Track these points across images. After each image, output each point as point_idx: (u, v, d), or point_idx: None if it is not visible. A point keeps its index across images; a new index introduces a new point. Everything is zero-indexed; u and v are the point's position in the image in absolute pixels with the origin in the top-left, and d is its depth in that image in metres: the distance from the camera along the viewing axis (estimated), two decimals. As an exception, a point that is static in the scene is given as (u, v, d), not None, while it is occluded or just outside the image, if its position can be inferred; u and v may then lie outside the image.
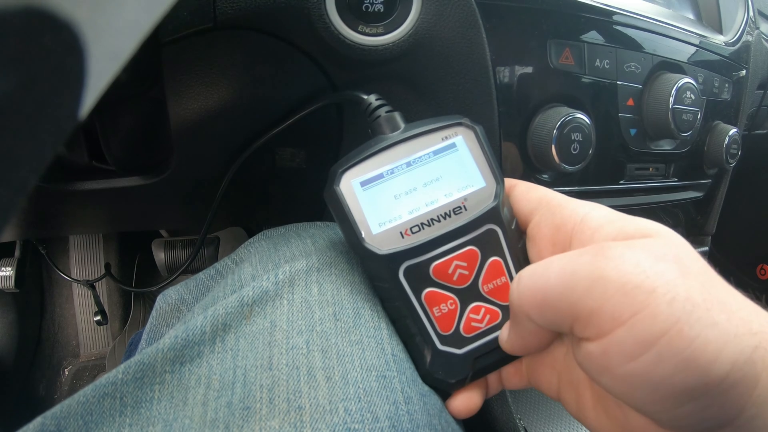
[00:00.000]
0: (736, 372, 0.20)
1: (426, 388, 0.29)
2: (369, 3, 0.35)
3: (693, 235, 0.73)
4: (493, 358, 0.31)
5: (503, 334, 0.30)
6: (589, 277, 0.23)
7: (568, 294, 0.23)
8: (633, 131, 0.53)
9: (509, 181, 0.32)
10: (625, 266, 0.22)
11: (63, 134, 0.11)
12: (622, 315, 0.22)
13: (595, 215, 0.27)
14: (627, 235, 0.25)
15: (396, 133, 0.31)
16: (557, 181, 0.50)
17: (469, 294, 0.30)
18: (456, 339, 0.30)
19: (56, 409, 0.25)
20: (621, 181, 0.55)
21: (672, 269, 0.22)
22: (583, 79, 0.48)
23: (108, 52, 0.12)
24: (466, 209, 0.30)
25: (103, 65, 0.11)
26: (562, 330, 0.25)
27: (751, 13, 0.70)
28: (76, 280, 1.02)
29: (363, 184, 0.29)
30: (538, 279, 0.25)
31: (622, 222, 0.26)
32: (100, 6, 0.11)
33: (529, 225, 0.31)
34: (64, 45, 0.10)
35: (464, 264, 0.30)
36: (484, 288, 0.30)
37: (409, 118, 0.32)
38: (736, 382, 0.20)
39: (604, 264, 0.23)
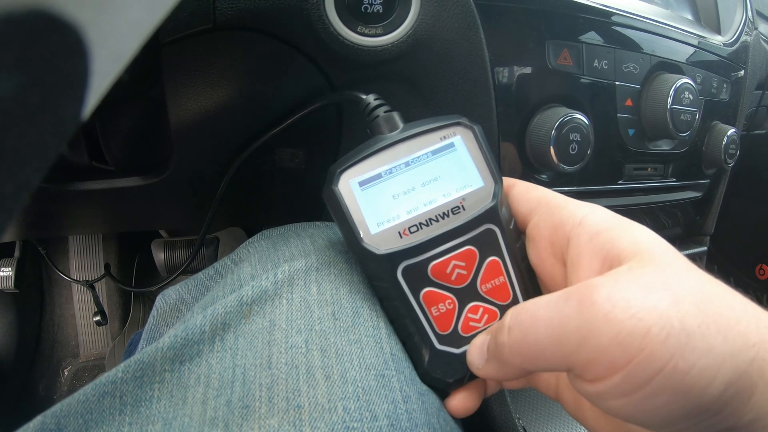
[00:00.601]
0: (730, 389, 0.20)
1: (424, 387, 0.29)
2: (368, 4, 0.35)
3: (692, 235, 0.73)
4: (491, 357, 0.31)
5: (475, 358, 0.29)
6: (578, 332, 0.22)
7: (560, 349, 0.23)
8: (631, 131, 0.53)
9: (508, 181, 0.32)
10: (615, 313, 0.22)
11: (66, 134, 0.11)
12: (618, 364, 0.22)
13: (594, 219, 0.27)
14: (618, 251, 0.25)
15: (394, 132, 0.31)
16: (556, 181, 0.50)
17: (467, 294, 0.30)
18: (454, 338, 0.30)
19: (56, 408, 0.25)
20: (619, 182, 0.55)
21: (663, 300, 0.22)
22: (582, 80, 0.48)
23: (111, 53, 0.12)
24: (464, 209, 0.30)
25: (106, 66, 0.12)
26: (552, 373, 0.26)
27: (749, 14, 0.70)
28: (76, 280, 1.02)
29: (361, 184, 0.30)
30: (528, 335, 0.24)
31: (617, 232, 0.26)
32: (104, 8, 0.11)
33: (528, 225, 0.31)
34: (68, 46, 0.10)
35: (462, 264, 0.30)
36: (482, 288, 0.30)
37: (408, 118, 0.33)
38: (730, 399, 0.21)
39: (593, 314, 0.22)
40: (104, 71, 0.12)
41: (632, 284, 0.22)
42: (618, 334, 0.21)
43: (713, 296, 0.22)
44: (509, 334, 0.25)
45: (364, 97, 0.34)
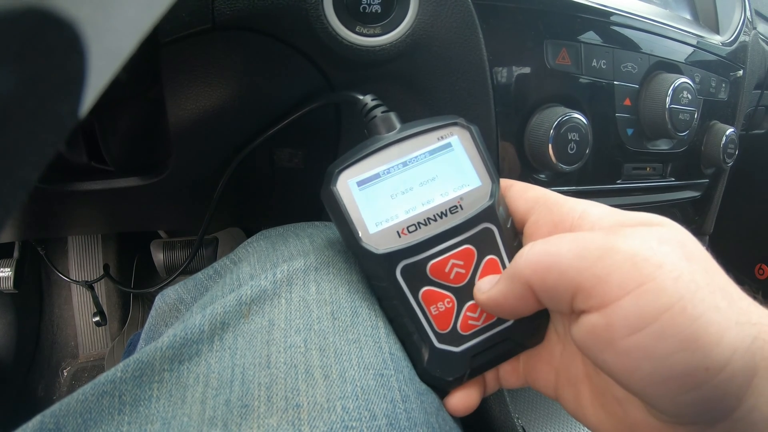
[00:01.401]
0: (737, 360, 0.20)
1: (423, 386, 0.29)
2: (366, 4, 0.35)
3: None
4: (490, 355, 0.31)
5: (483, 286, 0.29)
6: (600, 247, 0.23)
7: (577, 262, 0.24)
8: (630, 131, 0.53)
9: (505, 182, 0.33)
10: (635, 242, 0.23)
11: (64, 131, 0.11)
12: (629, 284, 0.22)
13: (594, 210, 0.28)
14: (628, 224, 0.26)
15: (392, 133, 0.31)
16: (554, 180, 0.50)
17: (465, 292, 0.30)
18: (453, 337, 0.30)
19: (55, 408, 0.25)
20: (618, 181, 0.55)
21: (677, 252, 0.23)
22: (580, 79, 0.48)
23: (108, 51, 0.12)
24: (462, 208, 0.30)
25: (104, 64, 0.12)
26: (556, 303, 0.25)
27: (748, 14, 0.70)
28: (75, 280, 1.02)
29: (359, 184, 0.30)
30: (550, 248, 0.25)
31: (622, 215, 0.27)
32: (101, 5, 0.11)
33: (527, 223, 0.31)
34: (65, 43, 0.10)
35: (461, 263, 0.30)
36: (481, 286, 0.30)
37: (406, 119, 0.33)
38: (735, 372, 0.21)
39: (615, 238, 0.23)
40: (101, 69, 0.12)
41: (650, 234, 0.24)
42: (634, 256, 0.22)
43: (719, 271, 0.23)
44: (532, 247, 0.26)
45: (361, 97, 0.35)
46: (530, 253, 0.26)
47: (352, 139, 0.45)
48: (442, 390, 0.31)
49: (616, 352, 0.23)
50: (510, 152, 0.47)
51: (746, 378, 0.21)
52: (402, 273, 0.29)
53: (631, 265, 0.22)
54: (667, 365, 0.21)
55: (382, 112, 0.33)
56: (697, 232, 0.73)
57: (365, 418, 0.25)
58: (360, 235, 0.29)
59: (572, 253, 0.24)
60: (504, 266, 0.31)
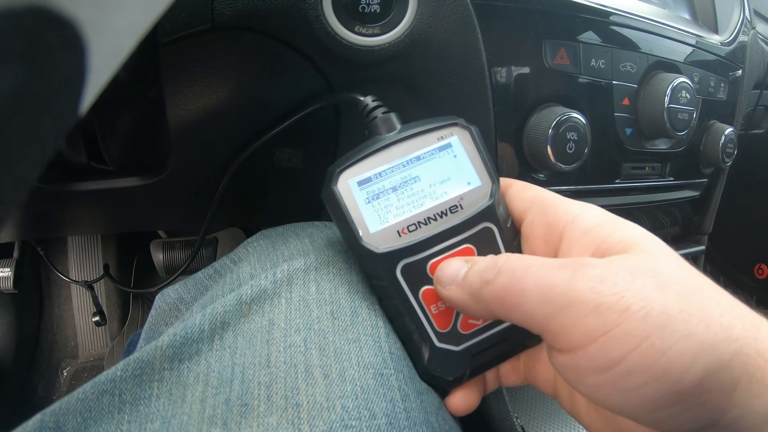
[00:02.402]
0: (710, 378, 0.21)
1: (423, 385, 0.29)
2: (365, 4, 0.35)
3: (690, 235, 0.73)
4: (490, 355, 0.31)
5: (446, 276, 0.28)
6: (566, 295, 0.23)
7: (543, 307, 0.24)
8: (629, 130, 0.53)
9: (505, 181, 0.33)
10: (602, 287, 0.23)
11: (63, 130, 0.11)
12: (594, 333, 0.22)
13: (586, 216, 0.28)
14: (610, 245, 0.26)
15: (392, 133, 0.31)
16: (553, 180, 0.50)
17: None
18: (453, 336, 0.30)
19: (55, 406, 0.25)
20: (617, 181, 0.55)
21: (648, 285, 0.22)
22: (579, 79, 0.48)
23: (108, 50, 0.12)
24: (462, 208, 0.30)
25: (103, 63, 0.12)
26: (524, 328, 0.26)
27: (746, 13, 0.70)
28: (75, 280, 1.02)
29: (360, 183, 0.30)
30: (516, 283, 0.25)
31: (610, 228, 0.26)
32: (100, 4, 0.11)
33: (523, 224, 0.31)
34: (64, 42, 0.10)
35: (461, 262, 0.30)
36: (480, 286, 0.30)
37: (406, 119, 0.33)
38: (710, 389, 0.21)
39: (581, 284, 0.23)
40: (101, 67, 0.12)
41: (622, 269, 0.23)
42: (599, 306, 0.22)
43: (700, 290, 0.23)
44: (497, 276, 0.25)
45: (362, 98, 0.35)
46: (495, 286, 0.25)
47: (352, 139, 0.45)
48: (442, 389, 0.31)
49: (586, 386, 0.23)
50: (509, 152, 0.47)
51: (725, 391, 0.21)
52: (402, 272, 0.29)
53: (595, 315, 0.22)
54: (637, 395, 0.22)
55: (383, 113, 0.33)
56: (696, 231, 0.73)
57: (365, 417, 0.25)
58: (360, 234, 0.29)
59: (537, 296, 0.24)
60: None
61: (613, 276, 0.23)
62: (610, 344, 0.22)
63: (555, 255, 0.29)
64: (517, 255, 0.26)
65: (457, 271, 0.28)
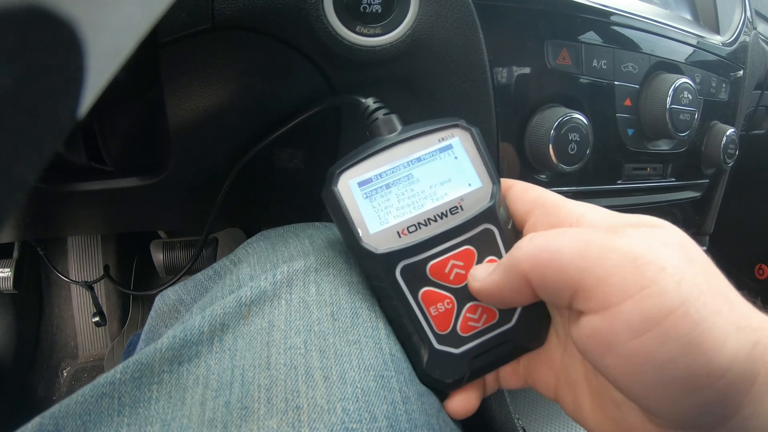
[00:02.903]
0: (738, 366, 0.20)
1: (424, 387, 0.29)
2: (367, 4, 0.35)
3: (691, 235, 0.73)
4: (490, 357, 0.31)
5: (478, 273, 0.29)
6: (602, 247, 0.23)
7: (578, 260, 0.23)
8: (630, 131, 0.53)
9: (506, 182, 0.32)
10: (637, 243, 0.23)
11: (63, 131, 0.11)
12: (631, 288, 0.22)
13: (591, 216, 0.28)
14: (629, 225, 0.25)
15: (393, 134, 0.31)
16: (555, 181, 0.50)
17: (465, 293, 0.30)
18: (453, 338, 0.30)
19: (54, 409, 0.25)
20: (618, 181, 0.55)
21: (679, 255, 0.22)
22: (581, 80, 0.48)
23: (107, 50, 0.12)
24: (462, 209, 0.30)
25: (103, 63, 0.12)
26: (554, 298, 0.25)
27: (748, 14, 0.70)
28: (75, 281, 1.02)
29: (361, 184, 0.30)
30: (551, 242, 0.25)
31: (621, 217, 0.27)
32: (99, 4, 0.11)
33: (526, 225, 0.31)
34: (64, 42, 0.10)
35: (461, 263, 0.30)
36: (481, 287, 0.30)
37: (407, 120, 0.33)
38: (736, 378, 0.20)
39: (617, 238, 0.23)
40: (100, 68, 0.12)
41: (652, 236, 0.23)
42: (637, 258, 0.22)
43: (719, 274, 0.23)
44: (532, 239, 0.25)
45: (363, 100, 0.35)
46: (529, 246, 0.25)
47: (352, 139, 0.45)
48: (441, 392, 0.31)
49: (618, 356, 0.22)
50: (510, 152, 0.47)
51: (746, 384, 0.21)
52: (402, 273, 0.29)
53: (633, 267, 0.22)
54: (669, 369, 0.21)
55: (384, 114, 0.33)
56: (698, 232, 0.73)
57: (365, 419, 0.25)
58: (360, 235, 0.29)
59: (573, 250, 0.23)
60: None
61: (646, 238, 0.23)
62: (647, 303, 0.21)
63: None
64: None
65: (490, 265, 0.29)
